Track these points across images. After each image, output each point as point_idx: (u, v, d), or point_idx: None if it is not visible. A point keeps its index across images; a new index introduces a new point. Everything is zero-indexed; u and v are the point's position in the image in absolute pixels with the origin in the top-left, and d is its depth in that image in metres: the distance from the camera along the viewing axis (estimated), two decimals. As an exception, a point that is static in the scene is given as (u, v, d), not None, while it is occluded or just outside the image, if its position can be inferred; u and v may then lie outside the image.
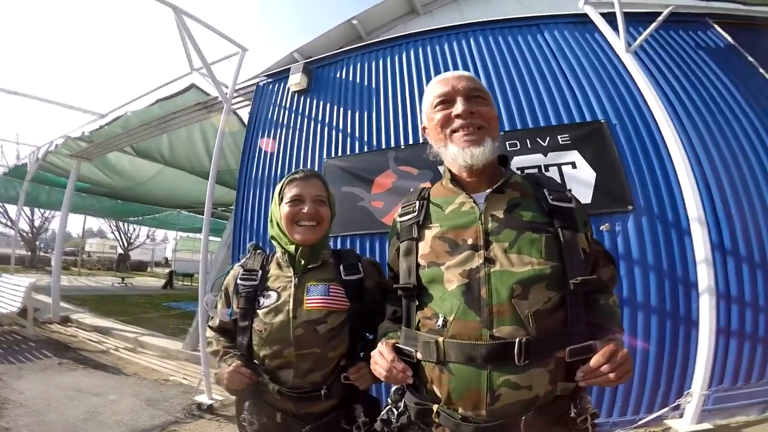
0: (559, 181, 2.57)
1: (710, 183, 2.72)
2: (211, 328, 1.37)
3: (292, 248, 1.25)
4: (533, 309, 0.80)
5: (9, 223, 18.71)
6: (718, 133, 2.86)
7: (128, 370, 4.09)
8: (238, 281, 1.27)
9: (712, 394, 2.41)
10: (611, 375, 0.75)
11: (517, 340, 0.78)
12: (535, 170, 2.81)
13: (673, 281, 2.60)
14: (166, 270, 17.32)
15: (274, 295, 1.21)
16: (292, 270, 1.24)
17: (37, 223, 20.19)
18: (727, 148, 2.81)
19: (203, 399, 3.22)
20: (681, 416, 2.42)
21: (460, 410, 0.83)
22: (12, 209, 17.06)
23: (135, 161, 7.09)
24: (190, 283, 15.51)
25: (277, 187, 1.31)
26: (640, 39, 2.97)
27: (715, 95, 3.01)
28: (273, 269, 1.28)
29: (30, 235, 19.89)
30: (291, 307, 1.17)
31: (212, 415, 3.10)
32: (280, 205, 1.27)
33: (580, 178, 2.75)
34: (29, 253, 19.43)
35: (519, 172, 1.05)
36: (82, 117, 6.30)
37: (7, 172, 9.22)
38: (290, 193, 1.25)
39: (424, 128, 1.07)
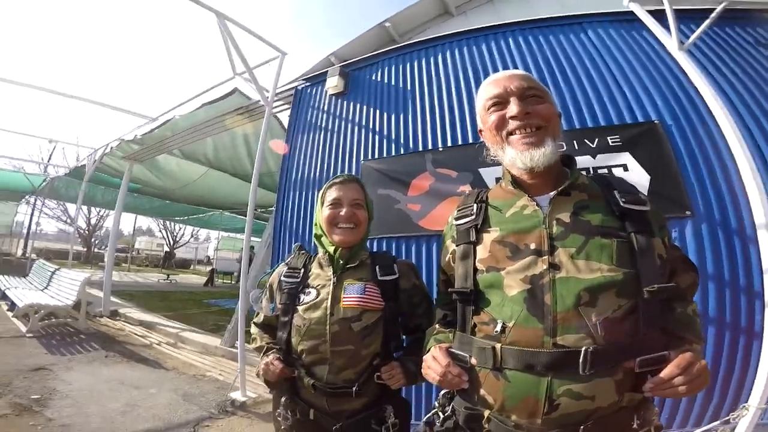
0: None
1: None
2: (255, 324, 1.43)
3: (331, 249, 1.30)
4: (601, 317, 0.76)
5: (68, 221, 20.27)
6: (787, 132, 2.62)
7: (168, 365, 4.25)
8: (282, 278, 1.34)
9: (770, 407, 2.21)
10: (682, 388, 0.70)
11: (582, 349, 0.74)
12: (583, 173, 2.68)
13: (735, 291, 2.41)
14: (208, 268, 18.04)
15: (313, 292, 1.27)
16: (331, 269, 1.30)
17: (93, 221, 21.70)
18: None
19: (237, 396, 3.29)
20: (732, 430, 2.23)
21: (514, 418, 0.80)
22: (71, 208, 18.50)
23: (182, 164, 7.46)
24: (230, 282, 16.09)
25: (320, 192, 1.39)
26: (693, 36, 2.77)
27: (780, 92, 2.76)
28: (314, 268, 1.35)
29: (86, 232, 21.39)
30: (329, 304, 1.22)
31: (245, 412, 3.16)
32: (321, 208, 1.34)
33: (633, 181, 2.54)
34: (85, 250, 20.89)
35: (586, 173, 1.00)
36: (134, 120, 6.73)
37: (68, 172, 10.00)
38: (330, 196, 1.33)
39: (480, 131, 1.04)
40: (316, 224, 1.38)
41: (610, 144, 2.74)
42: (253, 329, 1.43)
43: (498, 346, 0.82)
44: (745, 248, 2.43)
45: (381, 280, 1.27)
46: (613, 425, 0.77)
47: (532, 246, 0.85)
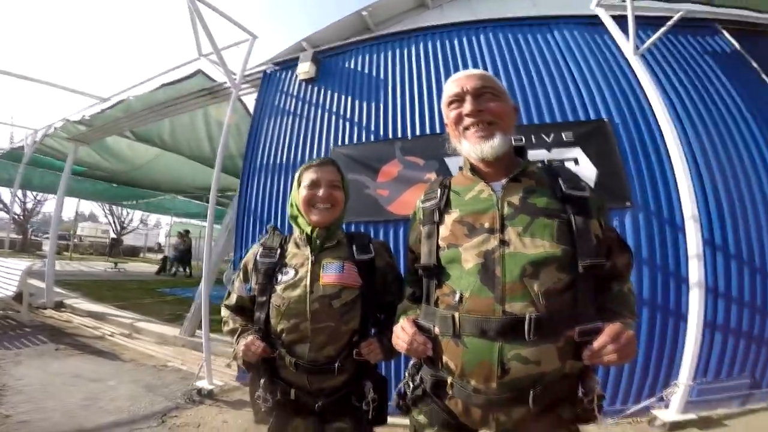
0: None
1: (705, 183, 2.82)
2: (226, 307, 1.40)
3: (308, 229, 1.31)
4: (543, 288, 0.87)
5: (2, 206, 18.45)
6: (717, 136, 2.96)
7: (125, 356, 4.05)
8: (258, 258, 1.32)
9: (697, 385, 2.50)
10: (612, 356, 0.79)
11: (527, 315, 0.84)
12: (538, 164, 2.88)
13: (665, 276, 2.70)
14: (160, 256, 17.14)
15: (291, 271, 1.27)
16: (309, 248, 1.30)
17: (29, 206, 19.89)
18: (724, 151, 2.91)
19: (204, 384, 3.20)
20: (667, 407, 2.50)
21: (473, 382, 0.90)
22: (3, 192, 16.85)
23: (133, 145, 7.03)
24: (182, 270, 15.38)
25: (297, 174, 1.38)
26: (648, 42, 3.04)
27: (717, 100, 3.10)
28: (291, 248, 1.34)
29: (21, 218, 19.57)
30: (308, 282, 1.23)
31: (213, 400, 3.09)
32: (298, 189, 1.34)
33: (582, 174, 2.77)
34: (20, 237, 19.13)
35: (538, 163, 1.13)
36: (82, 101, 6.21)
37: (2, 155, 9.09)
38: (308, 178, 1.33)
39: (446, 124, 1.14)
40: (292, 205, 1.37)
41: (564, 139, 2.97)
42: (224, 312, 1.40)
43: (456, 314, 0.91)
44: (675, 237, 2.73)
45: (358, 259, 1.29)
46: (560, 391, 0.88)
47: (486, 225, 0.95)
